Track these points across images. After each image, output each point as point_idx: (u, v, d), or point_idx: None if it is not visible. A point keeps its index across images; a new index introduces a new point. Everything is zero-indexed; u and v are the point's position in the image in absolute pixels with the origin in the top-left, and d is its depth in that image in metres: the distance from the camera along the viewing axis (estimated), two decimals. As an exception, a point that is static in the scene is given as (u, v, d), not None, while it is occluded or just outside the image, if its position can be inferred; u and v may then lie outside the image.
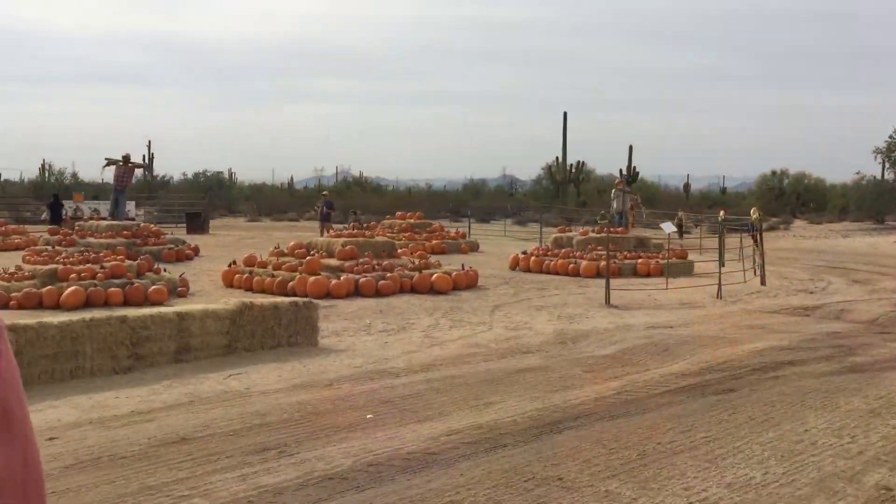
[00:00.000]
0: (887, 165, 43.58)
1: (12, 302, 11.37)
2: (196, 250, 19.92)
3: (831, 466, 4.91)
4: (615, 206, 21.31)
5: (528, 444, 5.34)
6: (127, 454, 5.16)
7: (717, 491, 4.50)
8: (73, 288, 11.58)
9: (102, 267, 12.57)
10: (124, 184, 21.18)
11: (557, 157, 59.44)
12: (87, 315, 7.73)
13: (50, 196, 30.88)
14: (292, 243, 15.58)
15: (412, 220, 24.26)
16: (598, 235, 18.95)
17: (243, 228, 35.29)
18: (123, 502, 4.32)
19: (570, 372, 7.78)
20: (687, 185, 71.33)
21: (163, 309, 8.39)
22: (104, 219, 21.09)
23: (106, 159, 21.01)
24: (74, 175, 59.91)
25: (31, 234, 22.46)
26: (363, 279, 13.45)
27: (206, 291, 13.70)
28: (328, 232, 25.21)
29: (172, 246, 18.95)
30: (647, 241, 19.52)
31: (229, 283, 14.46)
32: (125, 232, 18.71)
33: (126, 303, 11.78)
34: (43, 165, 57.16)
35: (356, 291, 13.28)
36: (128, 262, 13.34)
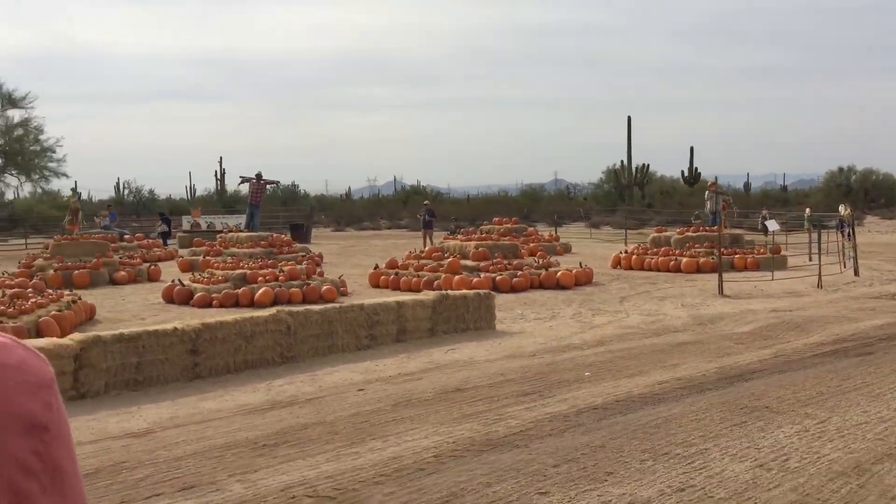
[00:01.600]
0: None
1: (214, 301, 13.39)
2: (321, 258, 21.91)
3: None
4: (709, 206, 22.72)
5: (726, 388, 7.00)
6: (426, 398, 6.95)
7: (888, 413, 6.09)
8: (264, 288, 13.56)
9: (281, 271, 14.55)
10: (258, 199, 23.35)
11: (622, 161, 60.30)
12: (337, 304, 9.61)
13: (158, 213, 33.30)
14: (429, 247, 17.40)
15: (509, 225, 25.94)
16: (695, 234, 20.42)
17: (337, 238, 37.39)
18: (457, 421, 6.09)
19: (722, 344, 9.39)
20: (747, 184, 71.79)
21: (386, 299, 10.25)
22: (236, 230, 23.23)
23: (240, 177, 23.22)
24: (151, 192, 63.02)
25: (165, 248, 24.79)
26: (499, 277, 15.21)
27: (358, 291, 15.57)
28: (430, 238, 27.11)
29: (304, 253, 20.95)
30: (740, 238, 20.91)
31: (375, 283, 16.35)
32: (262, 242, 20.79)
33: (305, 300, 13.70)
34: (118, 183, 60.03)
35: (493, 288, 15.01)
36: (299, 266, 15.29)
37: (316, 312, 9.00)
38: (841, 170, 59.95)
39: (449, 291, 10.81)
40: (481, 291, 11.05)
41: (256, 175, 23.09)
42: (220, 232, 28.88)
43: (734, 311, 12.25)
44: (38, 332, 9.83)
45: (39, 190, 31.02)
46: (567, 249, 25.51)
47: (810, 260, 20.42)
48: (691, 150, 61.25)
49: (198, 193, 65.01)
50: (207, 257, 20.08)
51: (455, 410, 6.49)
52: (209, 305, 13.33)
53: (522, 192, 72.06)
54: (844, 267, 18.51)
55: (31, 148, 27.46)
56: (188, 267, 20.04)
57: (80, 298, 11.68)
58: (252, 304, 13.29)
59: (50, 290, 12.13)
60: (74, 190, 24.95)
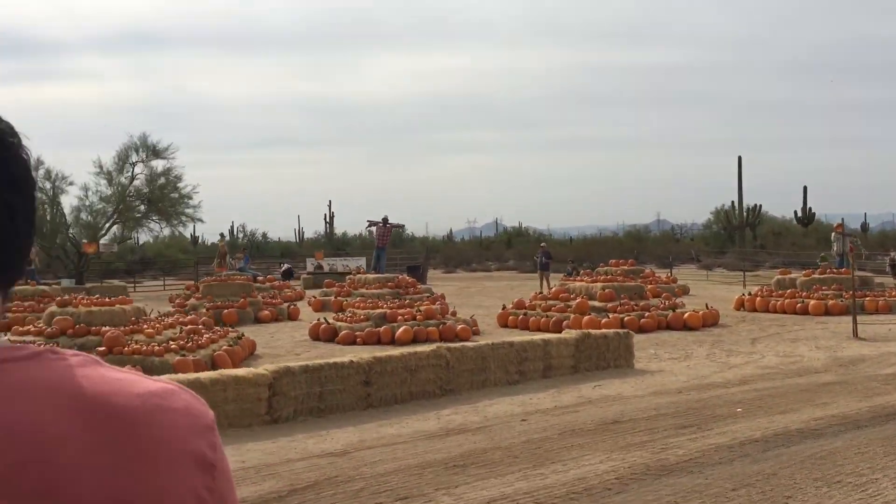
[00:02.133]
0: None
1: (358, 339, 14.27)
2: (444, 298, 22.70)
3: None
4: (836, 248, 22.43)
5: (884, 426, 7.22)
6: (588, 429, 7.45)
7: None
8: (404, 327, 14.36)
9: (419, 310, 15.34)
10: (384, 242, 24.47)
11: (733, 202, 59.30)
12: (490, 341, 10.26)
13: (279, 258, 34.92)
14: (555, 288, 17.93)
15: (626, 267, 26.15)
16: (822, 276, 20.19)
17: (449, 279, 38.26)
18: (626, 450, 6.56)
19: (869, 385, 9.51)
20: (865, 224, 69.12)
21: (533, 337, 10.83)
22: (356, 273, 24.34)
23: (368, 221, 24.42)
24: (264, 235, 65.67)
25: (293, 287, 26.14)
26: (627, 317, 15.56)
27: (487, 331, 16.19)
28: (546, 280, 27.57)
29: (429, 294, 21.78)
30: (870, 281, 20.53)
31: (504, 323, 16.96)
32: (389, 283, 21.76)
33: (441, 338, 14.40)
34: (232, 226, 62.59)
35: (621, 328, 15.36)
36: (433, 306, 16.06)
37: (471, 349, 9.65)
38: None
39: (591, 331, 11.30)
40: (620, 331, 11.49)
41: (383, 219, 24.21)
42: (343, 274, 30.22)
43: (873, 354, 12.23)
44: (213, 365, 10.83)
45: (177, 234, 33.14)
46: (685, 291, 25.49)
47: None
48: (804, 189, 59.73)
49: (306, 236, 67.60)
50: (339, 297, 21.19)
51: (620, 440, 6.97)
52: (353, 343, 14.20)
53: (627, 232, 71.52)
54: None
55: (171, 195, 29.58)
56: (321, 307, 21.18)
57: (243, 335, 12.71)
58: (392, 341, 14.08)
59: (217, 328, 13.25)
60: (223, 235, 26.62)
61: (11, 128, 0.74)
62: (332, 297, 21.39)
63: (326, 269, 31.37)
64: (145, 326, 11.44)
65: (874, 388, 9.26)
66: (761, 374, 10.58)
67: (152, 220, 30.07)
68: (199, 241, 60.12)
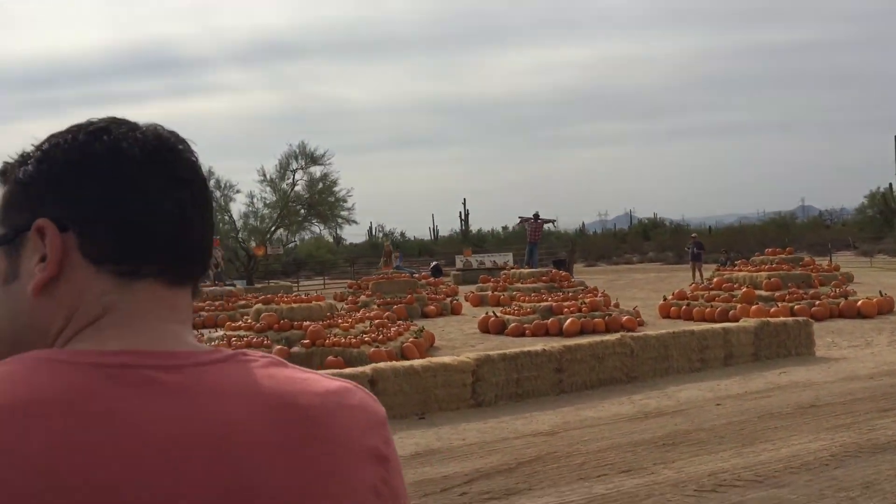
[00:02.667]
0: None
1: (527, 331, 14.80)
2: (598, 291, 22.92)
3: None
4: None
5: None
6: (787, 413, 7.65)
7: None
8: (571, 319, 14.79)
9: (583, 303, 15.74)
10: (536, 237, 24.99)
11: (891, 184, 56.10)
12: (673, 330, 10.56)
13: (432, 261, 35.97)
14: (717, 279, 17.87)
15: (784, 255, 25.47)
16: None
17: (594, 273, 38.27)
18: (832, 431, 6.74)
19: None
20: None
21: (713, 326, 11.04)
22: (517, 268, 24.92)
23: (519, 217, 25.00)
24: (402, 234, 67.24)
25: (447, 284, 27.03)
26: (797, 306, 15.35)
27: (650, 322, 16.35)
28: (699, 271, 27.24)
29: (583, 287, 22.08)
30: None
31: (665, 314, 17.07)
32: (543, 277, 22.20)
33: (607, 329, 14.71)
34: (371, 227, 64.29)
35: (791, 315, 15.17)
36: (598, 298, 16.40)
37: (654, 337, 9.98)
38: None
39: (770, 319, 11.36)
40: (800, 319, 11.49)
41: (534, 215, 24.70)
42: (491, 269, 30.90)
43: None
44: (402, 355, 11.62)
45: (333, 235, 34.83)
46: (849, 279, 24.52)
47: None
48: (973, 166, 55.82)
49: (441, 234, 68.82)
50: (495, 292, 21.84)
51: (823, 422, 7.15)
52: (522, 335, 14.75)
53: (770, 220, 68.64)
54: None
55: (329, 199, 31.21)
56: (479, 301, 21.88)
57: (423, 328, 13.50)
58: (560, 333, 14.52)
59: (401, 321, 14.13)
60: (388, 236, 27.94)
61: (176, 135, 0.78)
62: (489, 293, 22.05)
63: (475, 265, 32.15)
64: (340, 321, 12.40)
65: None
66: (954, 360, 10.34)
67: (313, 223, 31.77)
68: (341, 241, 62.22)
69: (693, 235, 30.44)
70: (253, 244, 30.56)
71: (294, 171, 30.95)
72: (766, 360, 10.77)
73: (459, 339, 14.77)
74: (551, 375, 9.11)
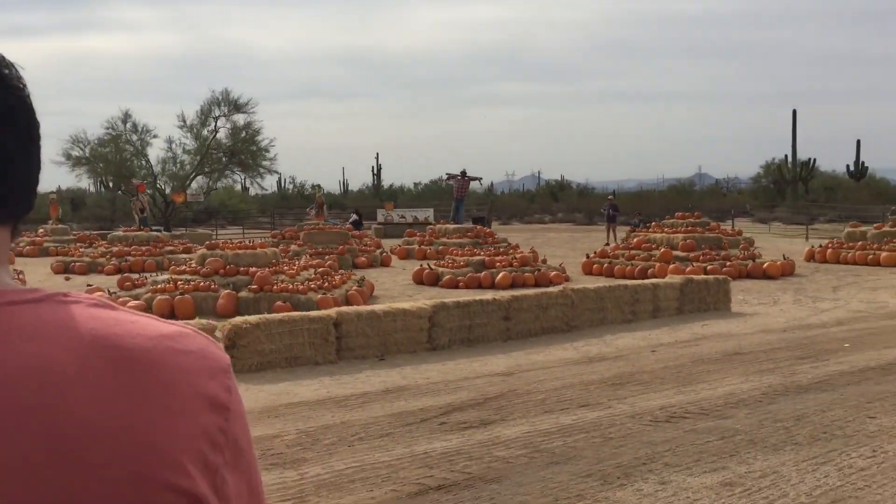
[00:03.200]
0: None
1: (460, 283, 15.37)
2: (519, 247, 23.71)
3: None
4: (906, 202, 22.89)
5: (984, 358, 8.11)
6: (715, 359, 8.46)
7: None
8: (503, 272, 15.43)
9: (514, 258, 16.40)
10: (462, 194, 25.50)
11: (786, 155, 59.10)
12: (609, 283, 11.27)
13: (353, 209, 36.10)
14: (637, 239, 18.83)
15: (692, 219, 26.84)
16: (893, 229, 20.80)
17: (510, 231, 39.20)
18: (759, 374, 7.56)
19: (959, 326, 10.36)
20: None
21: (644, 281, 11.84)
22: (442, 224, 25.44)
23: (447, 174, 25.43)
24: (314, 186, 66.59)
25: (370, 236, 27.33)
26: (710, 266, 16.44)
27: (573, 278, 17.18)
28: (613, 232, 28.40)
29: (506, 244, 22.81)
30: (938, 234, 21.05)
31: (588, 271, 17.94)
32: (469, 234, 22.82)
33: (537, 284, 15.43)
34: (281, 179, 63.10)
35: (704, 275, 16.25)
36: (528, 254, 17.09)
37: (592, 290, 10.68)
38: None
39: (693, 276, 12.25)
40: (719, 277, 12.44)
41: (461, 172, 25.20)
42: (412, 224, 31.31)
43: (955, 301, 13.02)
44: (347, 302, 12.00)
45: (257, 186, 34.48)
46: (751, 244, 26.15)
47: None
48: (857, 143, 59.35)
49: (351, 188, 68.45)
50: (422, 246, 22.33)
51: (749, 367, 7.97)
52: (456, 286, 15.30)
53: (671, 186, 71.13)
54: None
55: (251, 149, 30.83)
56: (405, 255, 22.35)
57: (364, 278, 13.87)
58: (493, 286, 15.15)
59: (342, 271, 14.44)
60: (320, 186, 27.88)
61: (3, 58, 0.70)
62: (416, 247, 22.53)
63: (396, 219, 32.51)
64: (285, 268, 12.64)
65: (965, 329, 10.14)
66: (853, 317, 11.48)
67: (235, 171, 31.37)
68: (251, 192, 60.76)
69: (609, 198, 31.63)
70: (169, 191, 29.98)
71: (217, 119, 30.46)
72: (689, 314, 11.67)
73: (396, 290, 15.21)
74: (499, 323, 9.69)
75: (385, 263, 20.27)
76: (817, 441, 5.45)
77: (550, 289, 10.62)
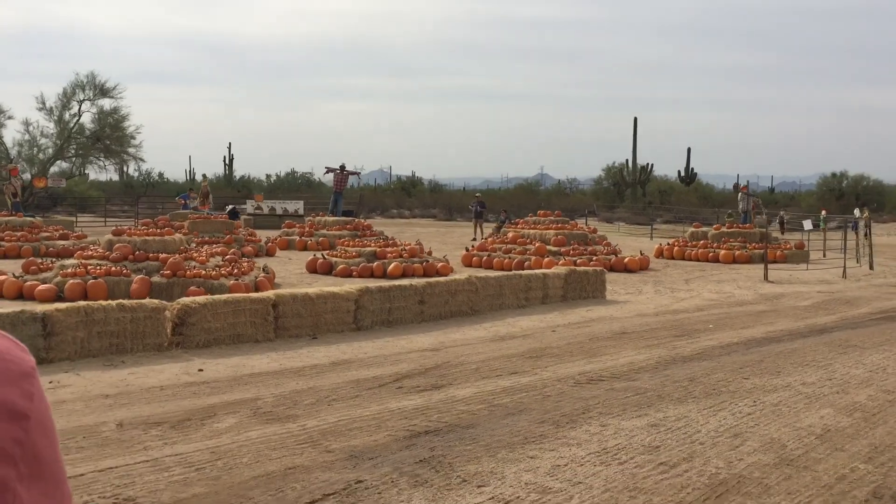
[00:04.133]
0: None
1: (354, 272, 16.15)
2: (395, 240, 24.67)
3: None
4: (741, 206, 25.73)
5: (819, 336, 9.89)
6: (607, 337, 9.79)
7: (938, 350, 9.01)
8: (395, 263, 16.34)
9: (404, 249, 17.33)
10: (341, 187, 26.11)
11: (627, 160, 63.23)
12: (508, 273, 12.42)
13: (224, 203, 35.76)
14: (511, 234, 20.24)
15: (553, 217, 28.77)
16: (730, 230, 23.40)
17: (375, 224, 40.02)
18: (648, 348, 8.91)
19: (796, 312, 12.30)
20: (736, 186, 75.01)
21: (535, 271, 13.08)
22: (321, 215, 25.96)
23: (326, 167, 25.96)
24: (161, 175, 64.92)
25: (246, 228, 27.43)
26: (579, 259, 18.06)
27: (456, 270, 18.36)
28: (480, 227, 29.90)
29: (383, 237, 23.72)
30: (768, 235, 23.87)
31: (468, 263, 19.16)
32: (348, 225, 23.57)
33: (425, 274, 16.46)
34: (123, 166, 61.30)
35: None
36: (416, 245, 18.06)
37: (493, 279, 11.82)
38: (834, 175, 63.15)
39: (576, 268, 13.66)
40: (597, 269, 13.93)
41: (340, 166, 25.85)
42: (282, 216, 31.56)
43: (788, 292, 15.19)
44: (257, 288, 12.55)
45: (122, 172, 33.39)
46: (603, 240, 28.42)
47: (824, 256, 23.50)
48: (688, 150, 64.66)
49: (198, 178, 66.85)
50: (303, 238, 22.86)
51: (637, 343, 9.34)
52: (349, 276, 16.08)
53: (518, 185, 74.16)
54: (858, 263, 21.50)
55: (116, 134, 29.97)
56: (286, 245, 22.79)
57: (267, 265, 14.39)
58: (385, 275, 16.05)
59: (246, 259, 14.86)
60: (206, 176, 27.43)
61: None
62: (297, 237, 23.02)
63: (266, 210, 32.62)
64: (195, 254, 12.99)
65: (801, 314, 12.06)
66: (709, 304, 13.26)
67: (99, 158, 30.39)
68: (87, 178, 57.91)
69: (477, 195, 33.16)
70: (27, 176, 28.67)
71: (81, 102, 29.39)
72: (572, 301, 13.07)
73: (292, 278, 15.78)
74: (415, 306, 10.63)
75: (270, 253, 20.67)
76: (710, 395, 6.78)
77: (458, 276, 11.66)
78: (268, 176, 67.75)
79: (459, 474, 4.72)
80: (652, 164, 63.79)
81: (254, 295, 9.23)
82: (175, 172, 68.12)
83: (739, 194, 26.66)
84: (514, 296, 12.13)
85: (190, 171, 67.97)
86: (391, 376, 7.43)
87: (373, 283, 10.87)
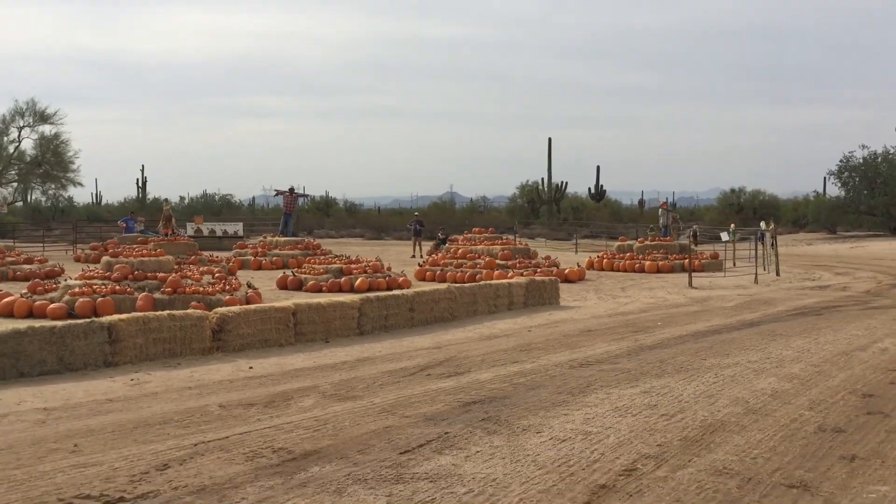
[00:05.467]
0: (839, 185, 51.49)
1: (323, 288, 17.38)
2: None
3: (863, 335, 11.46)
4: (661, 221, 28.04)
5: (751, 328, 11.78)
6: (576, 334, 11.41)
7: (836, 335, 10.99)
8: (361, 278, 17.66)
9: (368, 265, 18.65)
10: (291, 209, 27.14)
11: (542, 178, 65.78)
12: (480, 284, 13.93)
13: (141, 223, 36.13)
14: (461, 250, 21.81)
15: (488, 234, 30.51)
16: (652, 243, 25.61)
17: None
18: (615, 341, 10.57)
19: (725, 311, 14.25)
20: (641, 201, 79.01)
21: (501, 281, 14.65)
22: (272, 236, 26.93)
23: (275, 190, 26.98)
24: (70, 199, 63.94)
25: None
26: (525, 272, 19.77)
27: (413, 284, 19.78)
28: (419, 246, 31.37)
29: (336, 255, 24.91)
30: (686, 247, 26.20)
31: (422, 277, 20.62)
32: (300, 245, 24.69)
33: (388, 288, 17.82)
34: (26, 189, 59.96)
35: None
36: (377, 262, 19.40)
37: (468, 288, 13.33)
38: (733, 190, 67.39)
39: (535, 277, 15.31)
40: (552, 278, 15.61)
41: (290, 189, 26.94)
42: (223, 238, 32.31)
43: (713, 295, 17.24)
44: (248, 302, 13.69)
45: (61, 197, 33.42)
46: (534, 256, 30.34)
47: (734, 265, 25.96)
48: (597, 168, 68.11)
49: (104, 201, 65.70)
50: (257, 258, 23.86)
51: (605, 337, 11.00)
52: (319, 290, 17.30)
53: (432, 204, 75.77)
54: (766, 270, 23.97)
55: (55, 160, 30.17)
56: (241, 265, 23.72)
57: (251, 282, 15.50)
58: (352, 290, 17.33)
59: (232, 277, 15.91)
60: (168, 200, 27.81)
61: None
62: (251, 258, 24.00)
63: (206, 232, 33.25)
64: (189, 273, 14.02)
65: (730, 312, 14.02)
66: (650, 307, 15.10)
67: (36, 182, 30.46)
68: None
69: (416, 215, 34.68)
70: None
71: (21, 129, 29.45)
72: (533, 307, 14.69)
73: (270, 294, 16.89)
74: (406, 313, 12.03)
75: (232, 272, 21.59)
76: (680, 372, 8.46)
77: (439, 286, 13.11)
78: (181, 198, 67.32)
79: (518, 426, 6.20)
80: (566, 183, 66.49)
81: (276, 304, 10.46)
82: (81, 196, 66.73)
83: (660, 210, 29.04)
84: (486, 303, 13.67)
85: (97, 195, 66.87)
86: (415, 367, 8.83)
87: (371, 294, 12.21)
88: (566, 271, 20.63)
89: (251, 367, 8.81)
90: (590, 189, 68.35)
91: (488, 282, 14.27)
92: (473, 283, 13.90)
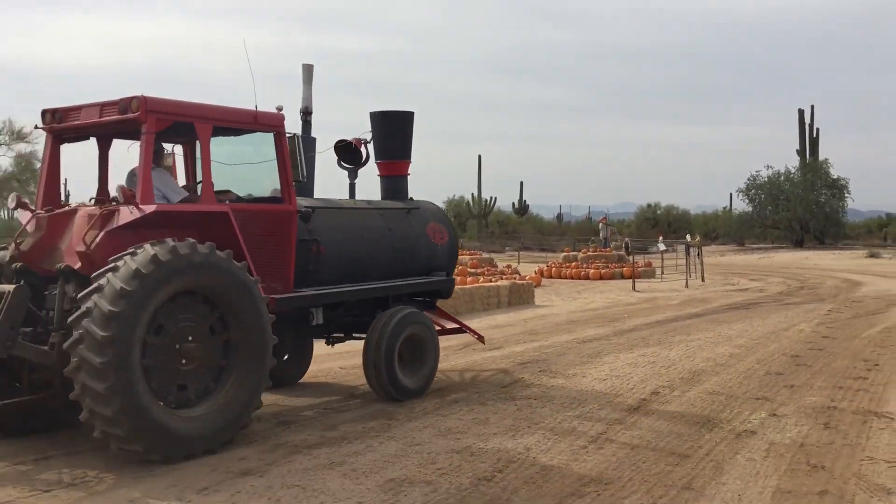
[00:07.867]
0: (746, 201, 56.39)
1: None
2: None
3: (784, 321, 14.74)
4: (602, 234, 31.42)
5: (699, 318, 14.89)
6: (564, 324, 14.27)
7: (764, 322, 14.20)
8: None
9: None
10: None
11: (473, 193, 68.91)
12: (476, 285, 16.69)
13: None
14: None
15: (443, 247, 33.30)
16: (594, 254, 28.90)
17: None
18: (599, 328, 13.46)
19: (672, 307, 17.38)
20: (560, 216, 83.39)
21: (493, 283, 17.42)
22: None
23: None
24: None
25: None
26: (493, 278, 22.61)
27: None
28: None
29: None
30: (623, 257, 29.61)
31: (400, 284, 23.23)
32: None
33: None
34: None
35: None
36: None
37: (467, 289, 16.05)
38: (649, 205, 72.13)
39: (516, 281, 18.15)
40: (528, 282, 18.49)
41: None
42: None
43: (657, 296, 20.44)
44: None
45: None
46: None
47: (662, 273, 29.45)
48: (521, 184, 72.23)
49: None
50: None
51: (590, 324, 13.88)
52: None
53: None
54: (692, 276, 27.48)
55: (28, 178, 31.49)
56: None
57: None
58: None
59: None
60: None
61: None
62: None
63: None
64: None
65: (677, 308, 17.16)
66: (609, 305, 18.14)
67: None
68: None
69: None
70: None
71: (-2, 148, 30.63)
72: (515, 305, 17.53)
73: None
74: (424, 309, 14.66)
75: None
76: (660, 344, 11.39)
77: (446, 287, 15.78)
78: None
79: (568, 373, 8.97)
80: (495, 198, 69.75)
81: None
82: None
83: (600, 224, 32.49)
84: (480, 301, 16.42)
85: (6, 212, 66.59)
86: (457, 346, 11.50)
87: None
88: (527, 277, 23.56)
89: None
90: (514, 203, 72.12)
91: (483, 284, 17.04)
92: (471, 286, 16.65)
